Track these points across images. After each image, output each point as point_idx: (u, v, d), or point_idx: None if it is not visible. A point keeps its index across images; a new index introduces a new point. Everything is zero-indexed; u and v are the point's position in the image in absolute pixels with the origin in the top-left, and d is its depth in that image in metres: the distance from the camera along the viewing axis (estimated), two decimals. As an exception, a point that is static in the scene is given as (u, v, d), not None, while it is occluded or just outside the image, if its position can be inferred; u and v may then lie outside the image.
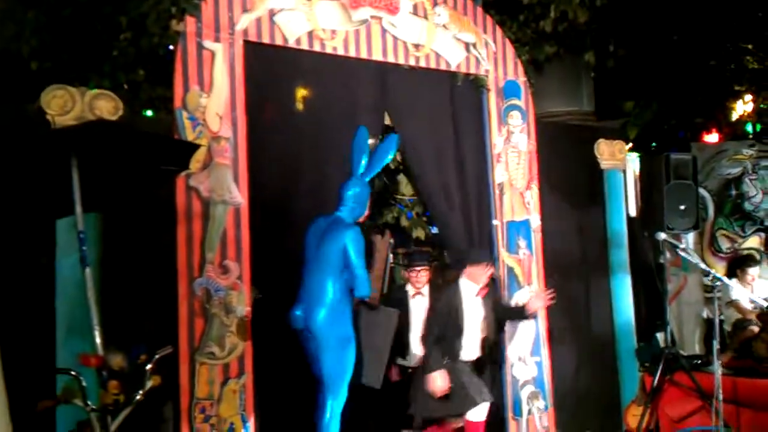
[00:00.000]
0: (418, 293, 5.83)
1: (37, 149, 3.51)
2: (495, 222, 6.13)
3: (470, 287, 5.39)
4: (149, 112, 5.32)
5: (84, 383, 3.40)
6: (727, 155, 7.87)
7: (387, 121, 5.80)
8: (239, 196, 4.90)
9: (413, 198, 6.36)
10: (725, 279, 6.11)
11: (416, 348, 5.60)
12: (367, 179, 5.25)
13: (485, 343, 5.48)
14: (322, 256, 4.90)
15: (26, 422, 3.77)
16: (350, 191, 5.10)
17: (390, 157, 5.48)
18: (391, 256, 6.46)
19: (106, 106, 4.52)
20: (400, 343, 5.63)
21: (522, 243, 6.22)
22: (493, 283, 5.67)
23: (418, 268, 5.81)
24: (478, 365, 5.43)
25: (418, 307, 5.76)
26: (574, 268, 6.60)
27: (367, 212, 5.25)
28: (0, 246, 4.18)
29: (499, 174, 6.18)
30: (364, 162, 5.24)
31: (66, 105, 4.40)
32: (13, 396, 3.09)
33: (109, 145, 3.53)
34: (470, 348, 5.37)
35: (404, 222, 6.27)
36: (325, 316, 4.80)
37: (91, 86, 4.68)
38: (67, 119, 4.38)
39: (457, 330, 5.29)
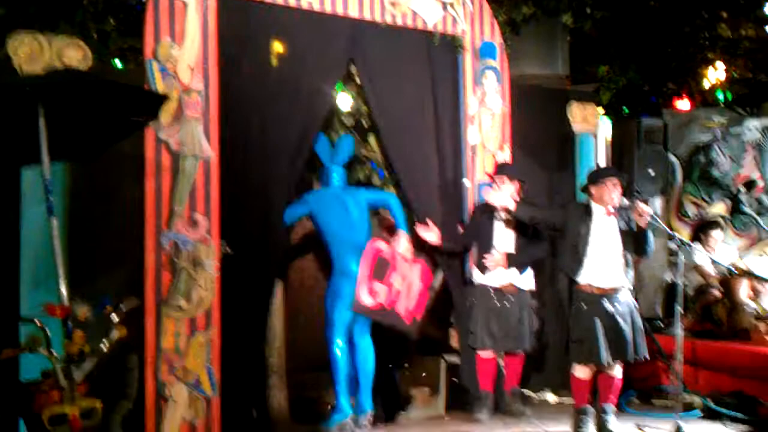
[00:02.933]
0: (504, 209, 5.57)
1: (3, 96, 3.46)
2: (466, 182, 6.16)
3: (599, 210, 5.25)
4: (118, 63, 5.25)
5: (49, 333, 3.40)
6: (698, 122, 7.94)
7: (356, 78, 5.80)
8: (209, 150, 4.87)
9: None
10: (692, 244, 6.21)
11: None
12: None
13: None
14: (362, 218, 5.48)
15: (-11, 370, 3.79)
16: (335, 175, 5.58)
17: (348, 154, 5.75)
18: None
19: (75, 55, 4.45)
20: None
21: (492, 204, 6.24)
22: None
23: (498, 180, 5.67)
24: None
25: (503, 223, 5.71)
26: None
27: None
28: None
29: (472, 135, 6.19)
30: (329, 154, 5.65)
31: (34, 53, 4.33)
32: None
33: (77, 94, 3.50)
34: (602, 274, 5.20)
35: (376, 181, 6.25)
36: None
37: (60, 34, 4.61)
38: (34, 67, 4.31)
39: (574, 242, 5.23)
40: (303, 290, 6.19)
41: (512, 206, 5.36)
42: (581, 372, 5.30)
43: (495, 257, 5.67)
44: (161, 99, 3.98)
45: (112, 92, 3.63)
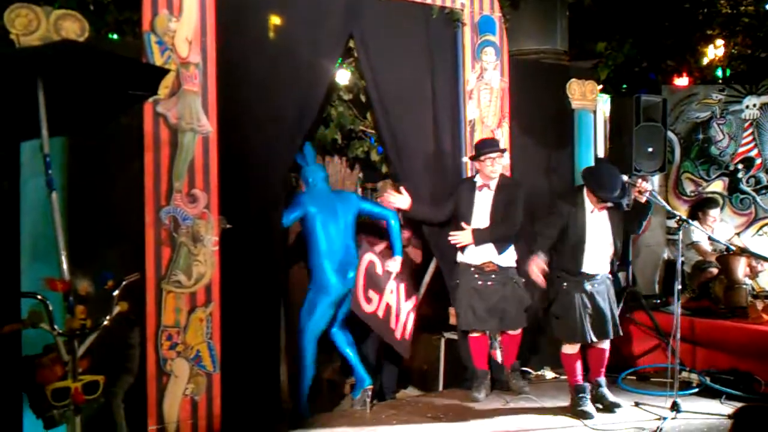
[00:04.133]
0: (485, 186, 5.63)
1: (1, 69, 3.41)
2: (465, 159, 6.12)
3: (588, 203, 5.33)
4: (115, 36, 5.19)
5: (50, 307, 3.37)
6: (697, 99, 7.92)
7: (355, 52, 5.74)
8: (208, 124, 4.83)
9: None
10: (691, 221, 6.21)
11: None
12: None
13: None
14: (351, 223, 5.56)
15: (-9, 345, 3.76)
16: (321, 173, 5.64)
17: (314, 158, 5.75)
18: (359, 190, 6.49)
19: (72, 27, 4.39)
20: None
21: (491, 181, 6.21)
22: None
23: (493, 156, 5.56)
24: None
25: (483, 199, 5.65)
26: (541, 207, 6.63)
27: None
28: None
29: (470, 111, 6.15)
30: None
31: (30, 24, 4.27)
32: (-23, 319, 3.05)
33: (75, 67, 3.44)
34: (588, 263, 5.30)
35: (374, 156, 6.22)
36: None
37: (57, 6, 4.54)
38: (31, 39, 4.26)
39: (572, 243, 5.29)
40: (302, 266, 6.16)
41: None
42: (569, 348, 5.44)
43: (462, 233, 5.60)
44: (163, 73, 3.91)
45: (111, 65, 3.57)
